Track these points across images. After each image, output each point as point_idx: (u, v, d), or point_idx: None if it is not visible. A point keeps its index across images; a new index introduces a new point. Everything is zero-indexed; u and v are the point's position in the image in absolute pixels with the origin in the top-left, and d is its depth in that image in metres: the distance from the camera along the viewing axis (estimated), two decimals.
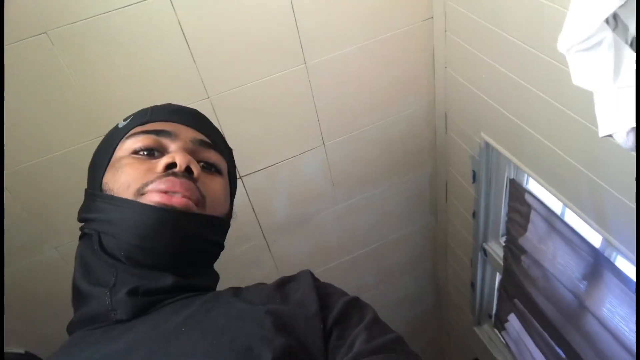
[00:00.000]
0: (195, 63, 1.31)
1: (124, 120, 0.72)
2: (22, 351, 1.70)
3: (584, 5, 0.58)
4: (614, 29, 0.58)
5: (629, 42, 0.57)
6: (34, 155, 1.30)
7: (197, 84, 1.35)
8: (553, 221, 1.38)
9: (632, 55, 0.57)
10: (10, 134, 1.25)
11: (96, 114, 1.29)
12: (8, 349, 1.69)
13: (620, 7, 0.54)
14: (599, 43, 0.59)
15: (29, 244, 1.45)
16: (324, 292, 0.62)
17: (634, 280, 1.18)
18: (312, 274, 0.65)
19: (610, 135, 0.64)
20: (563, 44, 0.63)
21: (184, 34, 1.25)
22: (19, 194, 1.35)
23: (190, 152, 0.67)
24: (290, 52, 1.39)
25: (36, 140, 1.28)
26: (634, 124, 0.58)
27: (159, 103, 1.28)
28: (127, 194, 0.61)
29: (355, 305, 0.60)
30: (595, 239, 1.28)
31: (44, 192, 1.37)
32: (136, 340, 0.53)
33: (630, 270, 1.19)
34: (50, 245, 1.48)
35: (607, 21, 0.58)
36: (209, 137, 0.72)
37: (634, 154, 0.63)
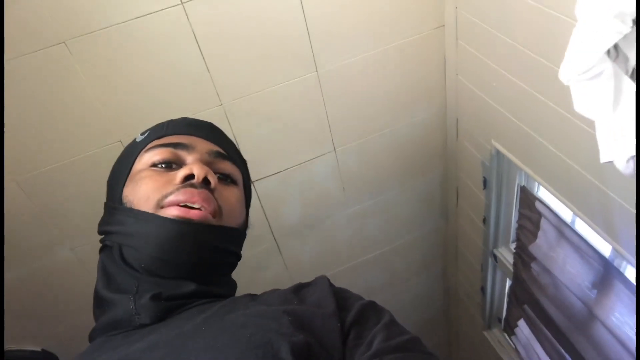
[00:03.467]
0: (208, 71, 1.33)
1: (142, 134, 0.74)
2: (38, 349, 1.75)
3: (585, 37, 0.59)
4: (615, 59, 0.59)
5: (629, 72, 0.59)
6: (51, 160, 1.34)
7: (211, 92, 1.37)
8: (563, 229, 1.38)
9: (632, 85, 0.58)
10: (29, 139, 1.28)
11: (112, 121, 1.32)
12: (25, 347, 1.73)
13: (621, 39, 0.56)
14: (600, 74, 0.60)
15: (45, 245, 1.49)
16: (340, 295, 0.63)
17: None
18: (328, 280, 0.66)
19: (609, 162, 0.65)
20: (565, 74, 0.65)
21: (197, 43, 1.28)
22: (37, 197, 1.38)
23: (207, 163, 0.68)
24: (302, 59, 1.41)
25: (54, 146, 1.32)
26: (633, 152, 0.59)
27: (173, 111, 1.32)
28: (147, 206, 0.63)
29: (372, 307, 0.61)
30: (605, 247, 1.28)
31: (60, 196, 1.41)
32: (157, 340, 0.55)
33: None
34: (65, 246, 1.51)
35: (608, 52, 0.59)
36: (225, 149, 0.74)
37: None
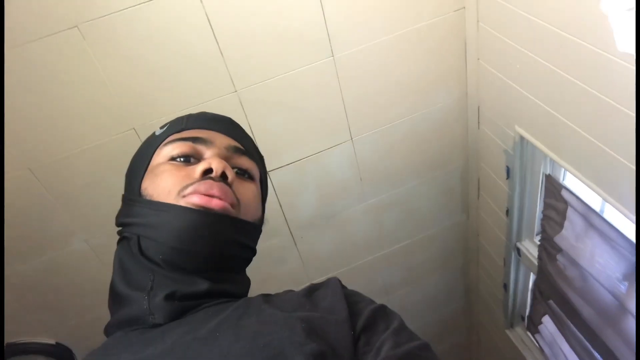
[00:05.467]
0: (222, 56, 1.31)
1: (161, 128, 0.75)
2: (52, 342, 1.74)
3: None
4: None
5: None
6: (65, 148, 1.32)
7: (225, 78, 1.35)
8: (591, 218, 1.32)
9: None
10: (42, 127, 1.27)
11: (126, 107, 1.30)
12: (39, 339, 1.73)
13: None
14: None
15: (60, 236, 1.48)
16: (352, 299, 0.63)
17: None
18: (340, 282, 0.66)
19: None
20: (607, 4, 0.59)
21: (211, 27, 1.25)
22: (52, 187, 1.37)
23: (225, 158, 0.69)
24: (318, 44, 1.37)
25: (67, 133, 1.31)
26: None
27: (187, 97, 1.30)
28: (168, 198, 0.64)
29: (382, 312, 0.61)
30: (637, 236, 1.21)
31: (74, 185, 1.39)
32: (171, 344, 0.55)
33: None
34: (80, 237, 1.50)
35: None
36: (242, 144, 0.75)
37: None
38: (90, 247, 1.53)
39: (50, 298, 1.61)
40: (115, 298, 0.64)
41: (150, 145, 0.72)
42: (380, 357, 0.53)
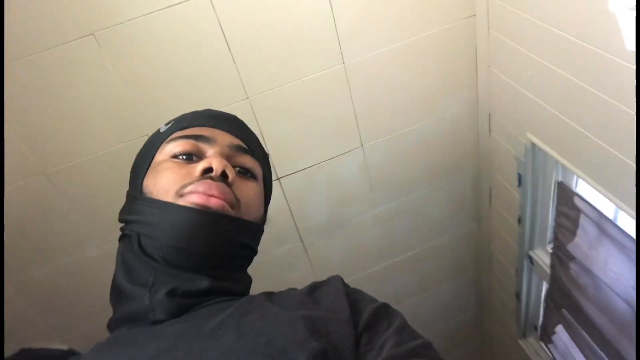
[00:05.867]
0: (235, 63, 1.32)
1: (166, 124, 0.75)
2: (65, 348, 1.75)
3: None
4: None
5: None
6: (79, 154, 1.35)
7: (237, 85, 1.36)
8: (605, 226, 1.30)
9: None
10: (58, 133, 1.29)
11: (139, 114, 1.32)
12: (52, 345, 1.74)
13: None
14: None
15: (73, 241, 1.50)
16: (354, 297, 0.63)
17: None
18: (342, 280, 0.66)
19: None
20: (615, 3, 0.59)
21: (224, 34, 1.27)
22: (66, 192, 1.39)
23: (227, 157, 0.69)
24: (328, 51, 1.39)
25: (82, 139, 1.33)
26: None
27: (200, 104, 1.31)
28: (166, 197, 0.64)
29: (384, 311, 0.61)
30: None
31: (88, 191, 1.42)
32: (173, 341, 0.55)
33: None
34: (93, 243, 1.52)
35: None
36: (246, 142, 0.75)
37: None
38: (103, 253, 1.55)
39: (64, 304, 1.63)
40: (117, 293, 0.64)
41: (155, 142, 0.73)
42: (382, 355, 0.53)
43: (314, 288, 0.65)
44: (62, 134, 1.30)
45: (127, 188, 0.74)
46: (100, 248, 1.53)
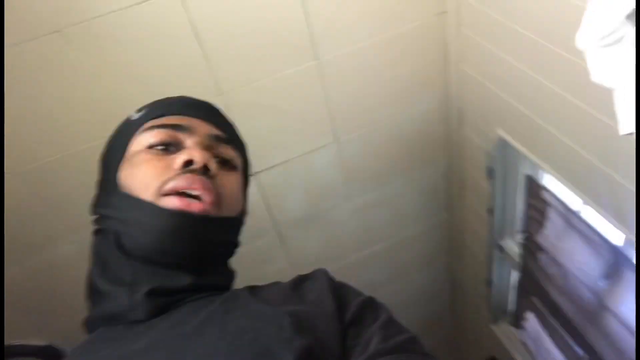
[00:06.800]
0: (206, 60, 1.31)
1: (137, 111, 0.71)
2: (44, 344, 1.74)
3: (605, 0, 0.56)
4: (635, 23, 0.56)
5: None
6: (50, 152, 1.32)
7: (209, 81, 1.35)
8: (571, 218, 1.35)
9: None
10: (26, 131, 1.26)
11: (108, 112, 1.30)
12: (30, 341, 1.72)
13: None
14: (620, 39, 0.57)
15: (47, 239, 1.47)
16: (339, 291, 0.62)
17: None
18: (327, 273, 0.65)
19: (630, 134, 0.62)
20: (582, 40, 0.61)
21: (195, 30, 1.25)
22: (38, 191, 1.37)
23: (206, 147, 0.66)
24: (302, 48, 1.38)
25: (51, 138, 1.30)
26: None
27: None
28: (146, 194, 0.61)
29: (370, 304, 0.60)
30: (615, 236, 1.24)
31: (60, 189, 1.39)
32: (156, 340, 0.54)
33: None
34: (67, 240, 1.50)
35: (627, 15, 0.56)
36: (225, 131, 0.72)
37: None
38: (79, 249, 1.53)
39: (41, 300, 1.60)
40: (94, 292, 0.62)
41: (127, 131, 0.69)
42: (369, 350, 0.52)
43: (299, 282, 0.64)
44: (31, 132, 1.27)
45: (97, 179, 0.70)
46: (76, 244, 1.51)
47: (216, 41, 1.29)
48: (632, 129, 0.60)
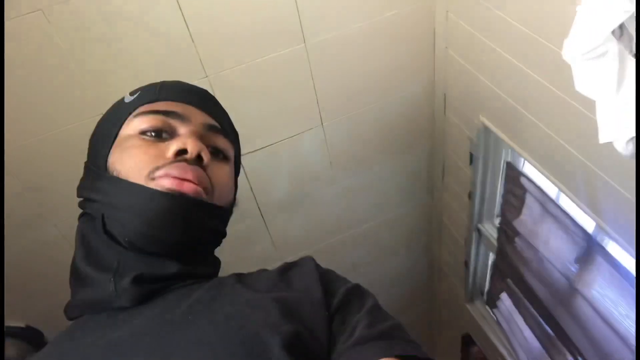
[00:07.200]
0: (193, 41, 1.30)
1: (131, 94, 0.69)
2: (22, 325, 1.73)
3: (591, 15, 0.58)
4: (619, 38, 0.58)
5: (633, 52, 0.58)
6: (32, 133, 1.30)
7: (195, 63, 1.34)
8: (547, 205, 1.40)
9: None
10: (8, 112, 1.24)
11: (93, 91, 1.28)
12: (9, 322, 1.71)
13: (627, 18, 0.54)
14: (604, 54, 0.59)
15: (29, 221, 1.46)
16: (326, 278, 0.62)
17: (625, 266, 1.20)
18: (314, 260, 0.65)
19: (610, 142, 0.65)
20: (569, 52, 0.64)
21: (182, 12, 1.24)
22: (19, 173, 1.35)
23: (200, 137, 0.65)
24: (289, 31, 1.38)
25: (34, 119, 1.28)
26: (634, 134, 0.59)
27: (157, 81, 1.27)
28: (137, 178, 0.59)
29: (356, 291, 0.61)
30: (588, 223, 1.30)
31: (43, 170, 1.37)
32: (142, 327, 0.53)
33: (620, 256, 1.22)
34: (50, 222, 1.49)
35: (612, 31, 0.58)
36: (219, 121, 0.70)
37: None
38: (59, 232, 1.52)
39: (20, 281, 1.60)
40: (78, 277, 0.60)
41: (119, 114, 0.67)
42: (355, 336, 0.53)
43: (286, 269, 0.64)
44: (13, 113, 1.24)
45: (82, 168, 0.68)
46: (56, 227, 1.51)
47: (202, 21, 1.27)
48: (611, 138, 0.63)
